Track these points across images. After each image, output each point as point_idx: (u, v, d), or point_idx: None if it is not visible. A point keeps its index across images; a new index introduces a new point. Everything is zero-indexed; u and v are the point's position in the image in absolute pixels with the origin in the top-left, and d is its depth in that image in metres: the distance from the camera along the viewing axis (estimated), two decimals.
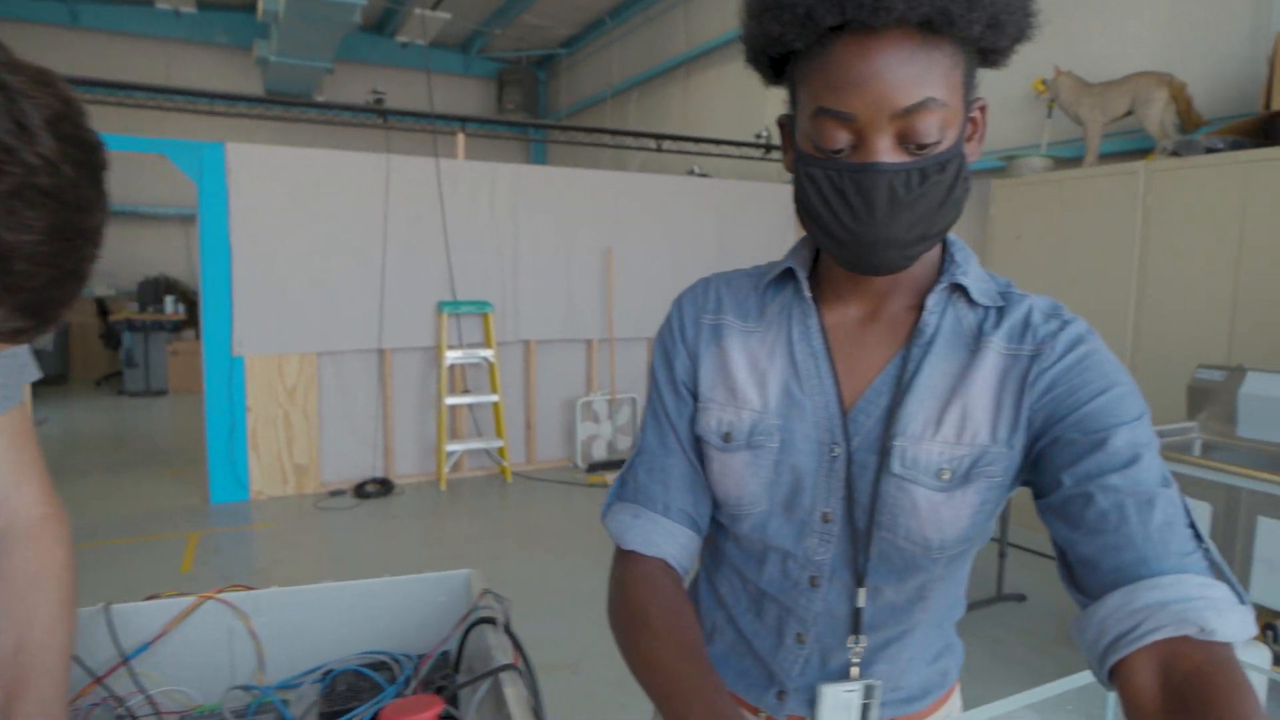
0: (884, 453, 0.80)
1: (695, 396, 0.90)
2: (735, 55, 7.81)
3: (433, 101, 5.75)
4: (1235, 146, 3.73)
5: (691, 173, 7.71)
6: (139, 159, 8.44)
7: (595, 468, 5.78)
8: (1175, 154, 3.95)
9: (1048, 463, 0.76)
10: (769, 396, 0.86)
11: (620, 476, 0.93)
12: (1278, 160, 3.54)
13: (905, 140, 0.72)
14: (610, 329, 6.02)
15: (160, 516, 4.89)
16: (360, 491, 5.34)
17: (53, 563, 0.88)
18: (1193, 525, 0.69)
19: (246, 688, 0.98)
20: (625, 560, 0.88)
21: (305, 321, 5.17)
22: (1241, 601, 0.65)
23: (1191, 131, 4.09)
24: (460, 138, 5.62)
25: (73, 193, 0.57)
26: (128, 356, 9.20)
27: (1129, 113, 4.21)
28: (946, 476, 0.80)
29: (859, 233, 0.75)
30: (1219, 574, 0.65)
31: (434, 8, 8.44)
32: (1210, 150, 3.78)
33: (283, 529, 4.73)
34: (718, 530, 0.94)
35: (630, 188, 6.06)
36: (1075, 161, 4.62)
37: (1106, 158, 4.58)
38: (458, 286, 5.52)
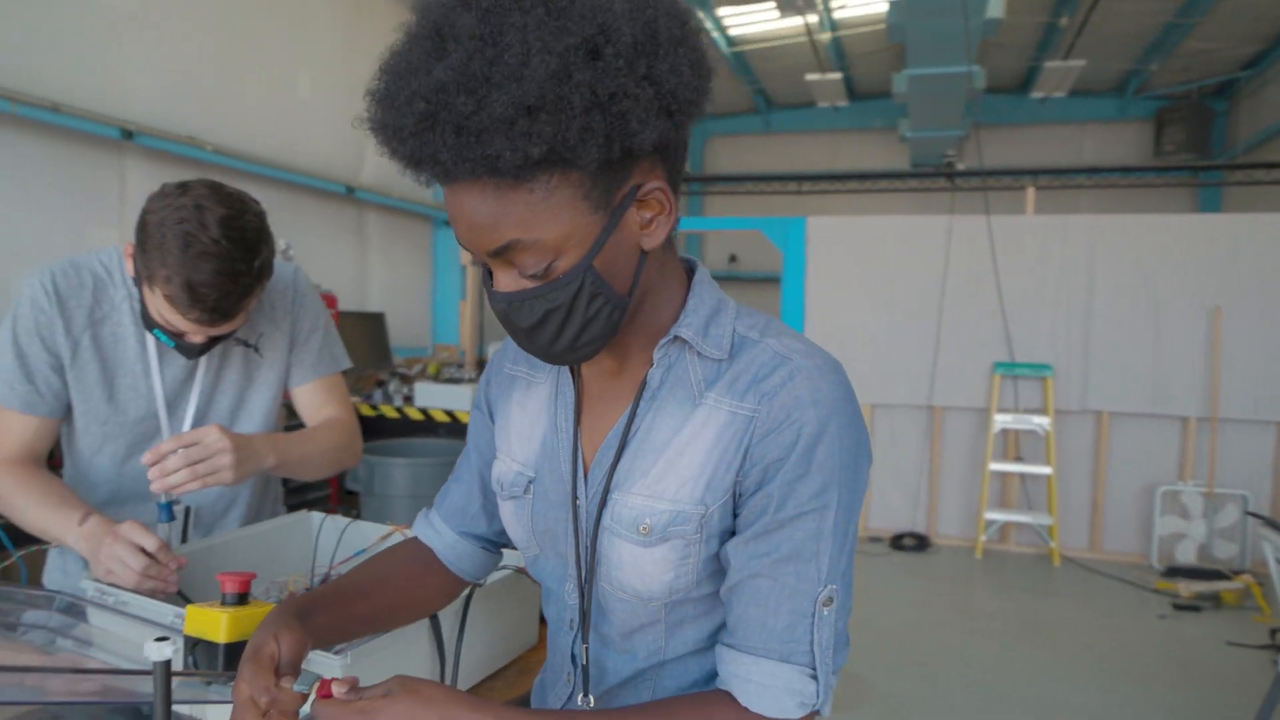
0: (603, 506, 0.84)
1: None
2: None
3: (981, 156, 5.63)
4: None
5: None
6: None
7: (1174, 573, 4.74)
8: None
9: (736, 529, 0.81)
10: (530, 449, 0.92)
11: None
12: None
13: (519, 270, 0.73)
14: (1214, 406, 4.88)
15: None
16: (896, 543, 5.46)
17: (336, 426, 1.56)
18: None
19: None
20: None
21: (860, 377, 5.56)
22: None
23: None
24: (1030, 192, 5.32)
25: (228, 257, 1.18)
26: None
27: None
28: (645, 531, 0.81)
29: (519, 341, 0.79)
30: None
31: (1065, 57, 7.99)
32: None
33: None
34: None
35: (1251, 234, 4.84)
36: None
37: None
38: (1015, 347, 5.22)
